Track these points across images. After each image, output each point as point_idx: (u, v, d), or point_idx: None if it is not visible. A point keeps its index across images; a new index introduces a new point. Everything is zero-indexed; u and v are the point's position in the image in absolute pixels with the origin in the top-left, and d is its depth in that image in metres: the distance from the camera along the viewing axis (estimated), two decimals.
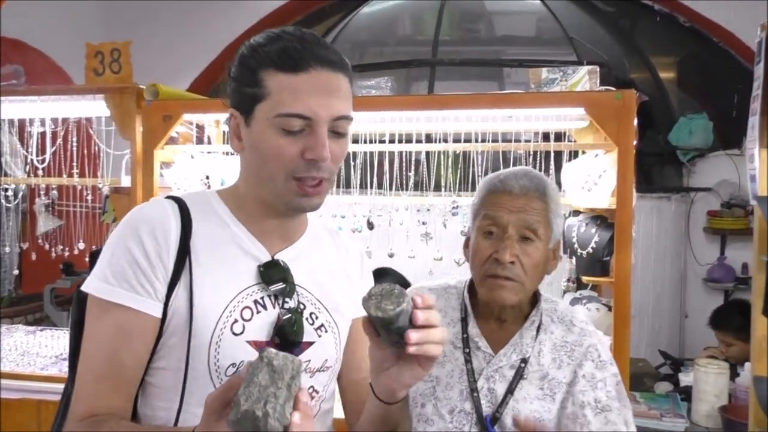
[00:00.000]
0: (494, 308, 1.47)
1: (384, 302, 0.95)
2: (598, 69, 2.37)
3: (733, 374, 2.79)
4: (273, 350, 0.84)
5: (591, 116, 2.17)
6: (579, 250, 2.40)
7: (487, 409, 1.43)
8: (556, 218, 1.47)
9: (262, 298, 1.13)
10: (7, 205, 2.90)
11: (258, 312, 1.12)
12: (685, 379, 3.04)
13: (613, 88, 2.24)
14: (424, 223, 2.59)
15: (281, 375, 0.82)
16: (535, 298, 1.52)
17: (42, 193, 2.83)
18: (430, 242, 2.51)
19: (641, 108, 2.24)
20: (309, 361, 1.15)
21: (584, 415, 1.41)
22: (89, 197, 2.77)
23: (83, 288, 1.10)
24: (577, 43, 4.80)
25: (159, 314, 1.07)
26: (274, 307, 1.13)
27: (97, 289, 1.08)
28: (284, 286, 1.14)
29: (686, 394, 2.85)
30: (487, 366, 1.45)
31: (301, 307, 1.16)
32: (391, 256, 2.53)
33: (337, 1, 5.27)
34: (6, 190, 2.89)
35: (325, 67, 1.07)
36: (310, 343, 1.16)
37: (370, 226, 2.57)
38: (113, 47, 2.62)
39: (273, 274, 1.14)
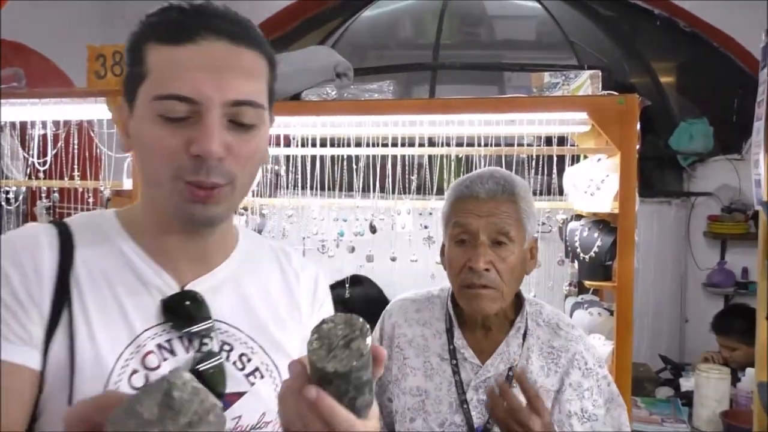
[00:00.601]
0: (478, 317, 1.45)
1: (337, 350, 0.69)
2: (600, 73, 2.37)
3: (734, 379, 2.79)
4: (188, 376, 0.61)
5: (594, 121, 2.17)
6: (581, 255, 2.40)
7: (477, 420, 1.41)
8: (529, 218, 1.44)
9: (168, 341, 0.89)
10: (8, 207, 2.89)
11: (165, 359, 0.88)
12: (685, 384, 3.04)
13: (616, 93, 2.24)
14: (426, 227, 2.59)
15: (176, 416, 0.58)
16: (519, 303, 1.51)
17: (43, 195, 2.83)
18: (432, 246, 2.51)
19: (642, 113, 2.24)
20: (239, 417, 0.91)
21: (570, 424, 1.41)
22: (90, 200, 2.76)
23: None
24: (578, 47, 4.80)
25: (37, 365, 0.83)
26: (187, 351, 0.89)
27: None
28: (201, 324, 0.90)
29: (687, 399, 2.85)
30: (475, 377, 1.44)
31: (226, 348, 0.93)
32: (393, 259, 2.52)
33: (338, 4, 5.27)
34: (7, 192, 2.88)
35: (219, 37, 0.84)
36: (240, 394, 0.91)
37: (373, 229, 2.57)
38: (115, 50, 2.61)
39: (182, 309, 0.90)
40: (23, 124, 2.84)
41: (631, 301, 2.14)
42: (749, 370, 2.68)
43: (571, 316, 2.51)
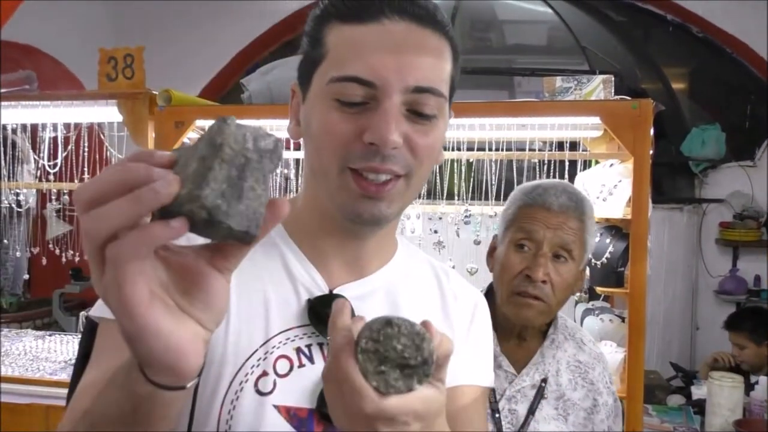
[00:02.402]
0: (516, 326, 1.44)
1: (391, 373, 0.61)
2: (612, 78, 2.36)
3: (748, 388, 2.76)
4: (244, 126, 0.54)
5: (607, 126, 2.15)
6: (593, 261, 2.38)
7: (508, 431, 1.39)
8: (591, 238, 1.44)
9: (308, 346, 0.81)
10: (18, 209, 2.90)
11: (301, 366, 0.80)
12: (697, 392, 3.01)
13: (629, 98, 2.23)
14: (436, 232, 2.57)
15: (217, 148, 0.52)
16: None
17: (53, 198, 2.83)
18: (442, 251, 2.50)
19: (654, 118, 2.22)
20: None
21: None
22: None
23: (91, 313, 0.81)
24: (589, 52, 4.78)
25: None
26: (325, 361, 0.80)
27: (105, 311, 0.77)
28: None
29: (699, 407, 2.82)
30: (509, 386, 1.42)
31: None
32: None
33: None
34: (17, 194, 2.89)
35: (404, 17, 0.78)
36: None
37: None
38: (126, 53, 2.62)
39: (327, 314, 0.78)
40: (34, 127, 2.85)
41: (643, 307, 2.12)
42: (763, 378, 2.65)
43: (581, 322, 2.49)
